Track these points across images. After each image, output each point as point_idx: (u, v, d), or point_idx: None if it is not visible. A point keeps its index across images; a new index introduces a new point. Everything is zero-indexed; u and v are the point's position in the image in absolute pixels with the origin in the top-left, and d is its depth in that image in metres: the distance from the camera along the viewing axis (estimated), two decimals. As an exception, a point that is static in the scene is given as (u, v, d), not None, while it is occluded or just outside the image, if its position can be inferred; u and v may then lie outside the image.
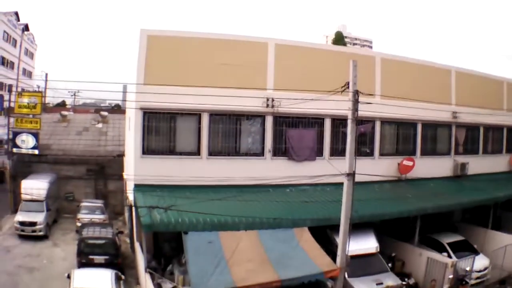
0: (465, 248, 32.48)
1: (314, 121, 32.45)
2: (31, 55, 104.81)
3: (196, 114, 29.62)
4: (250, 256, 23.68)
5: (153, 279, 24.56)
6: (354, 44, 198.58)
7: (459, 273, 28.91)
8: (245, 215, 25.15)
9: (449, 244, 32.19)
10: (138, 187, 28.11)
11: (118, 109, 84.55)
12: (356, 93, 22.42)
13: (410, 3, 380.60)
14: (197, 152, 29.76)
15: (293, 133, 31.58)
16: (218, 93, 28.02)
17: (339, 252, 23.69)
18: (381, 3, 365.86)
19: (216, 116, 29.99)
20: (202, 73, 29.25)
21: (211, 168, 29.20)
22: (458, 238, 33.41)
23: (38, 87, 73.52)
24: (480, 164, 40.78)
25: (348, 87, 22.73)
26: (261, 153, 31.18)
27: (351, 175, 22.74)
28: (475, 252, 32.14)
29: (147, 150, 29.02)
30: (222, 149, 30.38)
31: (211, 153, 29.95)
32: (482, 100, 40.11)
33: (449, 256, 30.65)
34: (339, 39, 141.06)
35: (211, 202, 25.23)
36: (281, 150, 31.56)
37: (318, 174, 28.40)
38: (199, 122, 29.74)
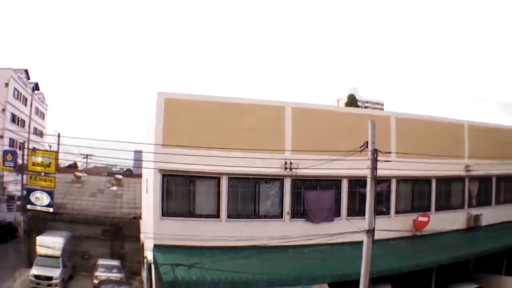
0: (482, 297, 32.48)
1: (332, 183, 32.91)
2: (42, 115, 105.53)
3: (215, 178, 29.95)
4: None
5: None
6: (366, 107, 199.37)
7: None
8: (266, 273, 25.44)
9: (465, 293, 32.24)
10: (157, 247, 28.38)
11: (131, 173, 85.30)
12: (375, 151, 22.85)
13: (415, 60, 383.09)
14: (217, 215, 30.07)
15: (311, 195, 31.98)
16: (236, 156, 28.65)
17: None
18: (386, 64, 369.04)
19: (235, 179, 30.34)
20: (220, 136, 29.68)
21: (230, 230, 29.41)
22: (473, 286, 33.96)
23: (50, 146, 73.96)
24: (493, 215, 40.99)
25: (366, 146, 23.13)
26: (279, 215, 31.52)
27: (370, 231, 23.03)
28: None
29: (167, 212, 29.35)
30: (241, 212, 30.69)
31: (230, 216, 30.26)
32: (493, 151, 40.40)
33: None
34: (352, 101, 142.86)
35: (231, 261, 25.49)
36: (299, 212, 31.92)
37: (339, 236, 28.86)
38: (218, 185, 30.10)
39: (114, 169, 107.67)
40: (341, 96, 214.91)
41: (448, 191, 38.80)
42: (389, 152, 26.36)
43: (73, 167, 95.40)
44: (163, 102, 29.46)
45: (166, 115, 29.29)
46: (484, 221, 39.33)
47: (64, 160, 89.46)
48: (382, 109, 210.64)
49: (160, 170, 28.90)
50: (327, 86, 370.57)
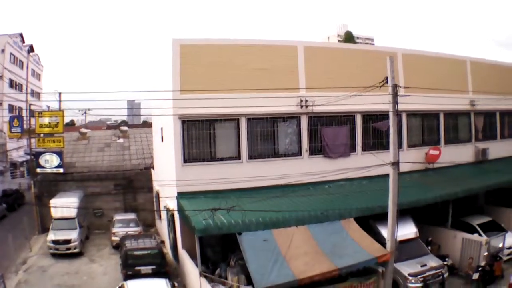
0: (494, 228, 33.67)
1: (346, 118, 33.57)
2: (37, 76, 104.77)
3: (234, 119, 30.48)
4: (304, 249, 24.51)
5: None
6: (356, 42, 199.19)
7: (492, 250, 30.08)
8: (294, 212, 26.09)
9: (479, 225, 33.38)
10: (181, 195, 28.93)
11: (127, 125, 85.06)
12: (395, 87, 23.26)
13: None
14: (238, 156, 30.61)
15: (327, 131, 32.63)
16: (253, 96, 29.10)
17: (388, 237, 24.68)
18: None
19: (254, 119, 30.83)
20: (236, 79, 29.95)
21: (251, 171, 29.93)
22: (486, 219, 34.53)
23: (48, 107, 73.64)
24: (499, 149, 42.12)
25: (386, 82, 23.52)
26: (298, 153, 32.15)
27: (395, 164, 23.62)
28: (503, 231, 33.53)
29: (188, 158, 29.78)
30: (261, 152, 31.23)
31: (251, 156, 30.81)
32: (496, 87, 41.27)
33: (480, 236, 31.79)
34: (349, 38, 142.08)
35: (258, 203, 26.03)
36: (317, 148, 32.58)
37: (355, 173, 29.78)
38: (237, 127, 30.58)
39: (108, 122, 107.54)
40: (331, 33, 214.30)
41: (455, 125, 39.76)
42: (408, 87, 26.52)
43: (70, 125, 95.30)
44: (178, 49, 29.60)
45: (182, 61, 29.50)
46: (490, 155, 40.60)
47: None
48: (373, 44, 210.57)
49: (179, 117, 29.30)
50: (316, 23, 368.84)
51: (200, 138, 30.04)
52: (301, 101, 31.44)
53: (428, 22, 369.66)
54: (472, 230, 32.74)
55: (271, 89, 29.62)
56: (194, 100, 27.85)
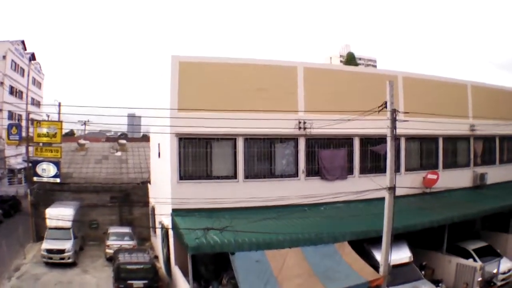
0: (489, 253, 33.57)
1: (344, 141, 33.57)
2: (38, 85, 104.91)
3: (231, 139, 30.44)
4: (297, 272, 24.36)
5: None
6: (359, 64, 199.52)
7: (487, 276, 30.08)
8: (288, 233, 26.01)
9: (474, 250, 33.20)
10: (176, 212, 28.84)
11: (126, 137, 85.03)
12: (394, 111, 23.19)
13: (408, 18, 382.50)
14: (234, 176, 30.57)
15: (325, 153, 32.68)
16: (251, 117, 28.94)
17: (381, 262, 24.60)
18: (378, 20, 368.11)
19: (251, 139, 30.80)
20: (234, 98, 29.97)
21: (247, 191, 29.88)
22: (481, 244, 34.43)
23: (48, 116, 73.61)
24: (497, 174, 42.03)
25: (385, 107, 23.43)
26: (295, 174, 32.14)
27: (392, 188, 23.52)
28: (499, 256, 33.36)
29: (184, 175, 29.70)
30: (257, 172, 31.20)
31: (247, 176, 30.75)
32: (496, 112, 41.32)
33: (475, 262, 31.66)
34: (351, 59, 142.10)
35: (252, 223, 25.92)
36: (314, 170, 32.55)
37: (357, 190, 29.72)
38: (234, 146, 30.56)
39: (108, 134, 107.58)
40: (333, 54, 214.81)
41: (454, 150, 39.74)
42: (408, 112, 26.61)
43: (70, 135, 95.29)
44: (177, 65, 29.61)
45: (181, 79, 29.53)
46: (489, 180, 40.43)
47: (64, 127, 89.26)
48: (375, 67, 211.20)
49: (177, 134, 29.22)
50: (318, 44, 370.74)
51: (197, 156, 30.01)
52: (299, 122, 31.43)
53: (428, 43, 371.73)
54: (467, 255, 32.65)
55: (270, 110, 29.65)
56: (192, 118, 27.96)
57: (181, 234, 25.85)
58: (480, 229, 38.54)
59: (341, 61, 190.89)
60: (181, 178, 29.61)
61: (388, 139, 23.53)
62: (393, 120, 23.25)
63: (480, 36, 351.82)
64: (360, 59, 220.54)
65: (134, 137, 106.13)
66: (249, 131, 29.92)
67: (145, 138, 74.14)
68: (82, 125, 67.16)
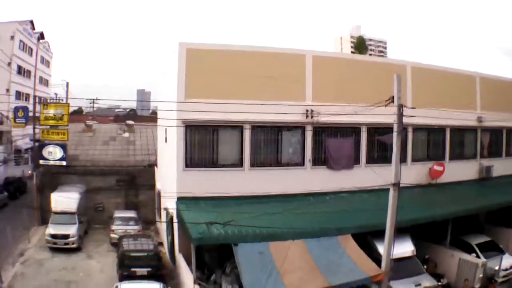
0: (492, 248, 33.50)
1: (351, 130, 33.47)
2: (47, 63, 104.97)
3: (238, 127, 30.34)
4: (299, 264, 24.38)
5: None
6: (369, 45, 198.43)
7: (488, 273, 30.12)
8: (292, 225, 26.01)
9: (477, 245, 33.12)
10: (181, 200, 28.82)
11: (135, 114, 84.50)
12: (401, 106, 22.99)
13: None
14: (240, 164, 30.53)
15: (332, 142, 32.58)
16: (259, 104, 28.88)
17: (384, 257, 24.54)
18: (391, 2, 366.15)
19: (258, 127, 30.70)
20: (242, 85, 30.00)
21: (253, 179, 30.04)
22: (485, 239, 34.31)
23: (56, 95, 73.58)
24: (503, 166, 41.97)
25: (392, 101, 23.19)
26: (301, 163, 32.08)
27: (396, 184, 23.41)
28: (501, 252, 33.31)
29: (190, 163, 29.68)
30: (263, 160, 31.15)
31: (253, 164, 30.72)
32: (504, 104, 41.15)
33: (478, 257, 31.74)
34: (361, 43, 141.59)
35: (256, 215, 25.54)
36: (320, 159, 32.50)
37: (358, 184, 29.91)
38: (241, 134, 30.47)
39: (117, 110, 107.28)
40: (343, 34, 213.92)
41: (461, 141, 39.68)
42: (406, 107, 26.28)
43: (78, 112, 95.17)
44: (185, 53, 29.40)
45: (188, 66, 29.33)
46: (494, 172, 40.41)
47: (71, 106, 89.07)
48: (385, 48, 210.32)
49: (184, 122, 29.13)
50: (328, 24, 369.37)
51: (203, 143, 30.00)
52: (307, 111, 31.28)
53: (436, 26, 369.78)
54: (470, 250, 32.64)
55: (277, 98, 29.72)
56: (199, 105, 28.06)
57: (185, 226, 25.87)
58: (484, 222, 38.43)
59: (351, 42, 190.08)
60: (187, 166, 29.57)
61: (394, 135, 23.31)
62: (400, 115, 23.03)
63: (488, 21, 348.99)
64: (370, 40, 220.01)
65: (143, 115, 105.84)
66: (256, 119, 29.66)
67: (154, 116, 73.51)
68: (90, 103, 66.92)
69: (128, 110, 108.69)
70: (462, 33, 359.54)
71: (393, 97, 23.14)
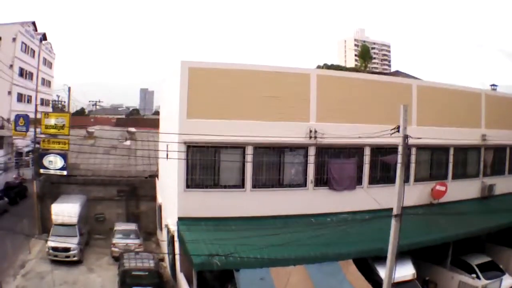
0: (492, 268, 33.52)
1: (354, 151, 33.25)
2: (49, 65, 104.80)
3: (240, 147, 30.06)
4: (300, 290, 24.26)
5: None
6: (372, 48, 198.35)
7: (489, 295, 29.89)
8: (293, 250, 25.80)
9: (477, 265, 33.08)
10: (182, 220, 28.73)
11: (138, 113, 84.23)
12: (406, 137, 22.73)
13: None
14: (241, 185, 30.33)
15: (335, 164, 32.34)
16: (261, 125, 29.01)
17: (384, 285, 24.25)
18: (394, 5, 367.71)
19: (260, 148, 30.43)
20: (244, 105, 29.89)
21: (255, 200, 29.92)
22: (485, 259, 34.29)
23: (58, 97, 73.45)
24: (506, 184, 41.77)
25: (397, 131, 22.89)
26: (303, 184, 31.85)
27: (398, 216, 23.21)
28: (502, 272, 33.38)
29: (191, 183, 29.51)
30: (265, 181, 30.95)
31: (255, 186, 30.52)
32: (509, 122, 41.02)
33: (478, 277, 31.85)
34: (366, 51, 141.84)
35: (258, 236, 25.69)
36: (322, 180, 32.30)
37: (360, 204, 30.85)
38: (243, 155, 30.21)
39: (119, 109, 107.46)
40: (347, 37, 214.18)
41: (464, 160, 39.33)
42: (411, 137, 26.17)
43: (80, 113, 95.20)
44: (187, 72, 29.18)
45: (190, 85, 29.13)
46: (497, 190, 40.28)
47: (73, 106, 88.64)
48: (389, 51, 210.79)
49: (185, 142, 28.91)
50: (332, 26, 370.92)
51: (205, 164, 29.76)
52: (310, 131, 31.07)
53: (439, 28, 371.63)
54: (470, 270, 32.68)
55: (280, 119, 29.88)
56: (201, 125, 27.99)
57: (187, 249, 25.77)
58: (485, 241, 38.33)
59: (355, 45, 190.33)
60: (188, 186, 29.40)
61: (399, 166, 22.97)
62: (405, 146, 22.80)
63: (491, 23, 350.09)
64: (374, 43, 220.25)
65: (146, 114, 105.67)
66: (258, 140, 29.42)
67: (157, 118, 72.76)
68: (93, 105, 66.83)
69: (131, 108, 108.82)
70: (464, 35, 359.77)
71: (399, 126, 22.90)
